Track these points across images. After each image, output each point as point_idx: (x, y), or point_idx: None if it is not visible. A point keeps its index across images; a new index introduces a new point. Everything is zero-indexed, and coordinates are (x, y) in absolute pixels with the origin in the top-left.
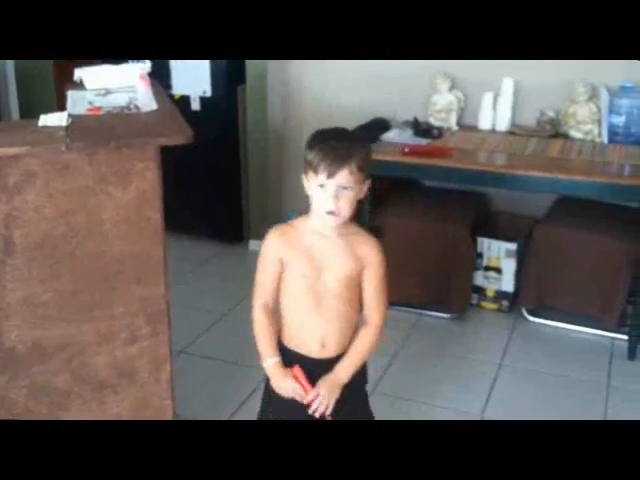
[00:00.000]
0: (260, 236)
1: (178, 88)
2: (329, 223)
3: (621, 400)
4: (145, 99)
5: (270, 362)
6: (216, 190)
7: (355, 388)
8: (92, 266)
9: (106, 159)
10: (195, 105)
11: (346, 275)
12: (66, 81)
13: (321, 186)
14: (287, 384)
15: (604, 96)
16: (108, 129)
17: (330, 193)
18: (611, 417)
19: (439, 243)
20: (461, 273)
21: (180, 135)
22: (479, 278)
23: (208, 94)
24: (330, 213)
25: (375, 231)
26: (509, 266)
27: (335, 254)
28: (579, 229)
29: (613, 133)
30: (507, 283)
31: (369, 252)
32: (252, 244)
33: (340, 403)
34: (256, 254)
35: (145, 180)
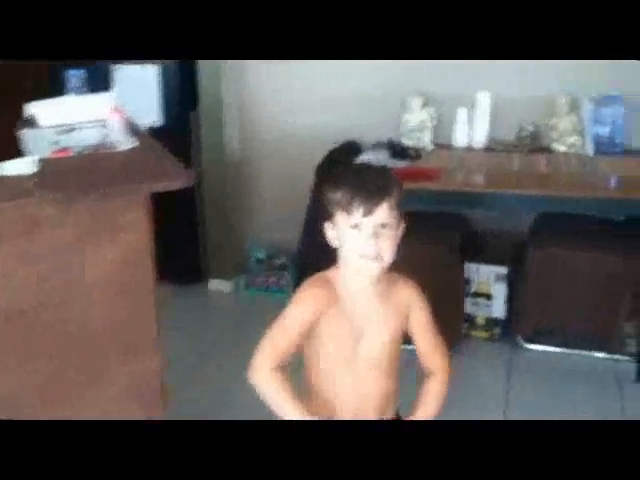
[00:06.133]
0: (221, 274)
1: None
2: (368, 272)
3: None
4: (119, 135)
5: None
6: (170, 226)
7: None
8: (75, 338)
9: (87, 212)
10: None
11: (390, 338)
12: (12, 119)
13: (355, 227)
14: None
15: (587, 106)
16: (85, 175)
17: (368, 233)
18: None
19: (427, 269)
20: (451, 302)
21: (177, 178)
22: (468, 305)
23: (158, 123)
24: (369, 258)
25: None
26: (500, 291)
27: (376, 316)
28: (574, 248)
29: (599, 144)
30: (498, 309)
31: (410, 296)
32: (213, 283)
33: None
34: (218, 294)
35: (134, 233)
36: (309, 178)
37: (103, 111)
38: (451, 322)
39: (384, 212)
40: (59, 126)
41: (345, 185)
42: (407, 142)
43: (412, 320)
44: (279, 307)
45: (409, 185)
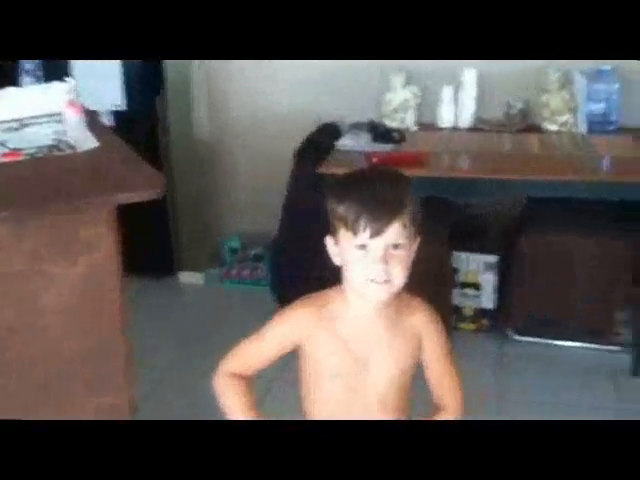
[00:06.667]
0: (193, 266)
1: (84, 102)
2: (376, 297)
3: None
4: (78, 133)
5: None
6: (136, 216)
7: None
8: (31, 376)
9: (42, 230)
10: (106, 122)
11: (399, 371)
12: None
13: (361, 247)
14: None
15: (580, 82)
16: (39, 186)
17: (376, 256)
18: None
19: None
20: (439, 294)
21: (148, 187)
22: (455, 296)
23: (122, 107)
24: (378, 282)
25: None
26: (489, 281)
27: (382, 345)
28: (567, 234)
29: (592, 122)
30: (487, 299)
31: (422, 321)
32: (184, 276)
33: None
34: (190, 288)
35: (98, 251)
36: (286, 162)
37: (58, 104)
38: (439, 315)
39: (395, 232)
40: (7, 122)
41: (350, 199)
42: (389, 123)
43: (424, 348)
44: (254, 301)
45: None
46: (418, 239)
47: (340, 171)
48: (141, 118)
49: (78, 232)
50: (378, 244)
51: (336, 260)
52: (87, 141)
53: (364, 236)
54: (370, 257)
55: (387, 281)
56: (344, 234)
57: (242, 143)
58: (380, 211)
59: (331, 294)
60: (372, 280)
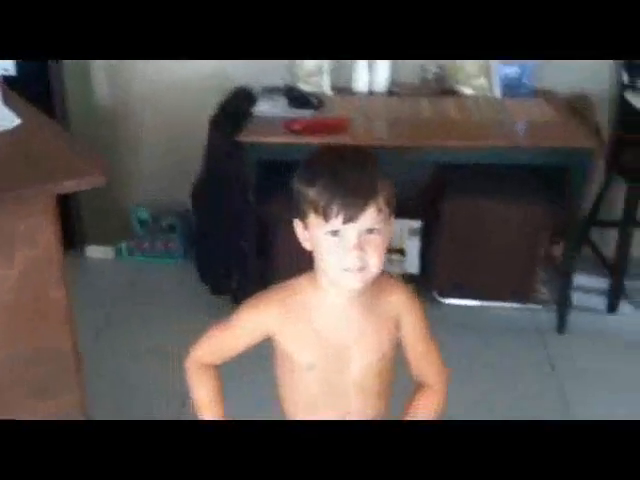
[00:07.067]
0: (102, 239)
1: None
2: (351, 286)
3: (576, 383)
4: None
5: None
6: None
7: None
8: None
9: None
10: None
11: (380, 357)
12: None
13: (334, 234)
14: None
15: None
16: None
17: (350, 243)
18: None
19: None
20: None
21: (93, 173)
22: None
23: (12, 72)
24: (352, 271)
25: None
26: (413, 246)
27: (359, 333)
28: (488, 199)
29: (507, 86)
30: (412, 265)
31: (398, 301)
32: (90, 250)
33: None
34: (96, 262)
35: (36, 246)
36: (195, 126)
37: None
38: None
39: (370, 217)
40: None
41: (321, 182)
42: (304, 87)
43: (403, 328)
44: (168, 275)
45: (319, 139)
46: (393, 221)
47: (260, 139)
48: (34, 83)
49: (13, 226)
50: (352, 230)
51: (306, 245)
52: (6, 118)
53: (336, 222)
54: (343, 244)
55: (362, 269)
56: (314, 219)
57: (147, 107)
58: (354, 195)
59: (302, 282)
60: (346, 269)
